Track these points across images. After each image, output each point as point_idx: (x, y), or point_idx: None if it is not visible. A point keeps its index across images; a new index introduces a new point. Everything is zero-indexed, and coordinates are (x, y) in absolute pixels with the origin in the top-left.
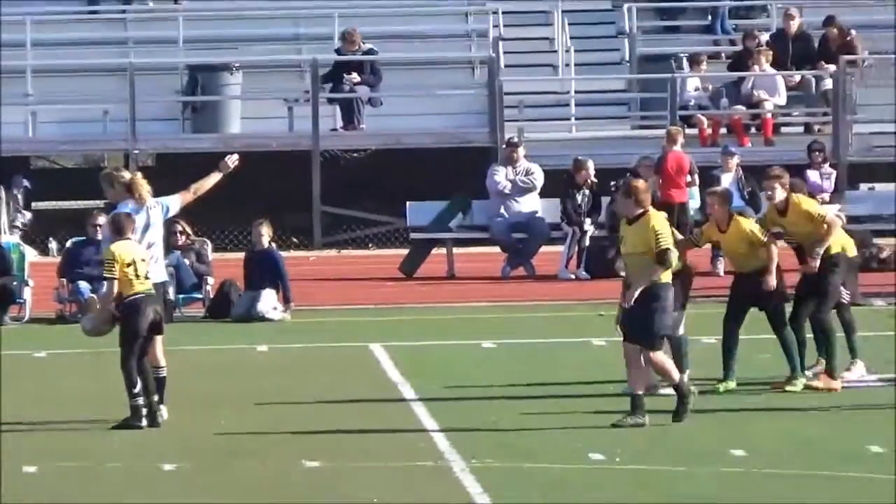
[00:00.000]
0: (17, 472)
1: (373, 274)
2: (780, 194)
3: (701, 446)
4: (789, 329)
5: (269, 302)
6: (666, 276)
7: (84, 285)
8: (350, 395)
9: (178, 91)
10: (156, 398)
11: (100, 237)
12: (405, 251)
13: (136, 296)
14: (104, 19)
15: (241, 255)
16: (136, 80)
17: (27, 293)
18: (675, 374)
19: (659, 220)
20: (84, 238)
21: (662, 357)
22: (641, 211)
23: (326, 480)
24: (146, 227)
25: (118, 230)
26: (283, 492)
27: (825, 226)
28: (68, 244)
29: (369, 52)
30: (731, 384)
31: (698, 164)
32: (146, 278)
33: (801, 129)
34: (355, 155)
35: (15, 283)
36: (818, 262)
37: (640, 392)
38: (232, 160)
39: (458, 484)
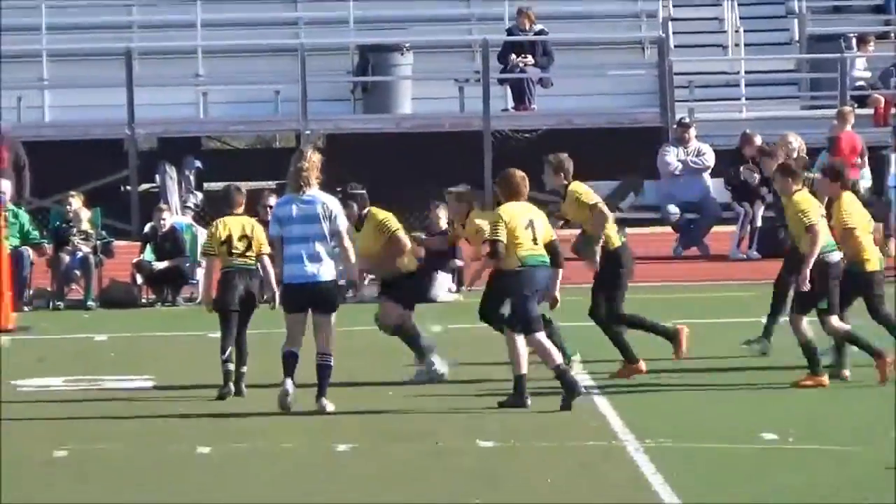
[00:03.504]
0: (190, 454)
1: None
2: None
3: (873, 424)
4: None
5: (443, 285)
6: (510, 263)
7: None
8: None
9: (349, 71)
10: (244, 369)
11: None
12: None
13: (229, 269)
14: None
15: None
16: (307, 60)
17: (199, 274)
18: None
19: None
20: (255, 218)
21: (516, 343)
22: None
23: (500, 460)
24: (305, 219)
25: (227, 203)
26: (456, 471)
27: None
28: None
29: (540, 32)
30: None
31: (867, 145)
32: (244, 254)
33: None
34: (526, 135)
35: (187, 264)
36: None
37: (523, 373)
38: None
39: (632, 464)
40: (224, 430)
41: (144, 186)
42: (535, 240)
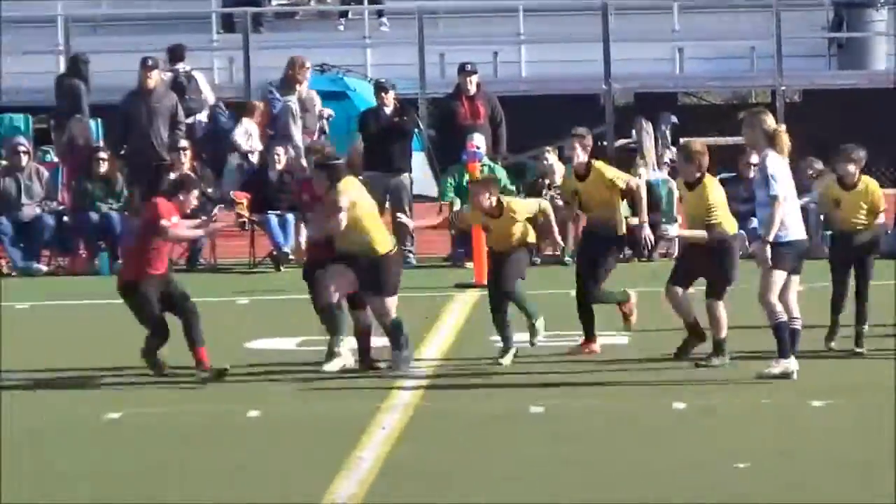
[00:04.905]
0: (667, 410)
1: None
2: (581, 156)
3: None
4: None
5: None
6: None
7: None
8: None
9: (823, 27)
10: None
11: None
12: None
13: None
14: None
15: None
16: (782, 16)
17: (673, 230)
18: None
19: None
20: (734, 175)
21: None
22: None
23: (828, 416)
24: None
25: None
26: (784, 427)
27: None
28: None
29: None
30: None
31: None
32: None
33: None
34: None
35: (662, 220)
36: None
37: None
38: None
39: None
40: (697, 386)
41: (621, 142)
42: None
